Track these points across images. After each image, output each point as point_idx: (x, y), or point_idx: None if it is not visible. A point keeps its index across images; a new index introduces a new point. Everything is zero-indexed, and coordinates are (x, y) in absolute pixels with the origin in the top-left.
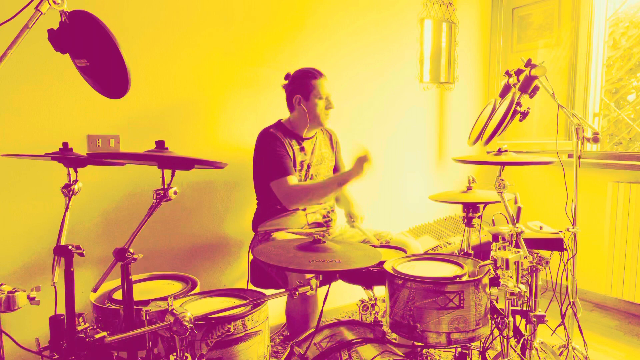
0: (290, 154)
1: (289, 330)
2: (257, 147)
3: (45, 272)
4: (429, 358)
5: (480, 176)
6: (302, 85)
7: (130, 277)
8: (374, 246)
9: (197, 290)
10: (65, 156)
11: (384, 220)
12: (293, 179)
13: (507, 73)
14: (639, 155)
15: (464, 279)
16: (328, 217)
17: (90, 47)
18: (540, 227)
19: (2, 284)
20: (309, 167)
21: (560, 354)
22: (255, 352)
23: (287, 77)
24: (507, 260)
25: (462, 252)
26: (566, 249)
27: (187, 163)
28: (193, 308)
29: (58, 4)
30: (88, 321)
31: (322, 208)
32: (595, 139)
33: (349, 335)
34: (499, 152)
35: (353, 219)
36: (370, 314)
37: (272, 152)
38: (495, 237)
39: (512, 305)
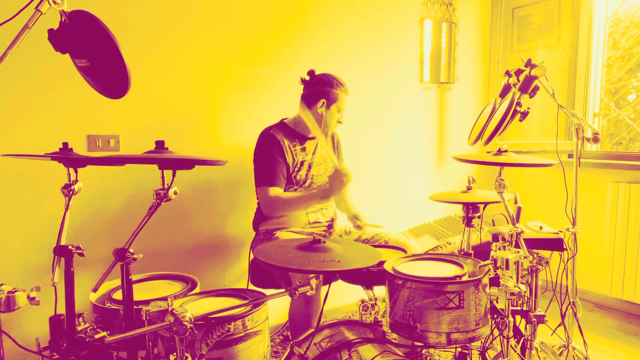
0: (290, 156)
1: (291, 331)
2: (255, 148)
3: (45, 272)
4: (428, 358)
5: (480, 176)
6: (329, 93)
7: (130, 277)
8: (376, 245)
9: (197, 290)
10: (65, 156)
11: (384, 220)
12: (275, 190)
13: (507, 73)
14: (639, 155)
15: (464, 279)
16: (329, 217)
17: (90, 47)
18: (540, 227)
19: (2, 284)
20: (309, 166)
21: (560, 354)
22: (255, 352)
23: (310, 74)
24: (507, 260)
25: (462, 252)
26: (566, 249)
27: (187, 163)
28: (193, 308)
29: (58, 4)
30: (88, 321)
31: (323, 207)
32: (595, 139)
33: (349, 335)
34: (499, 152)
35: (358, 219)
36: (370, 314)
37: (265, 157)
38: (495, 237)
39: (512, 305)
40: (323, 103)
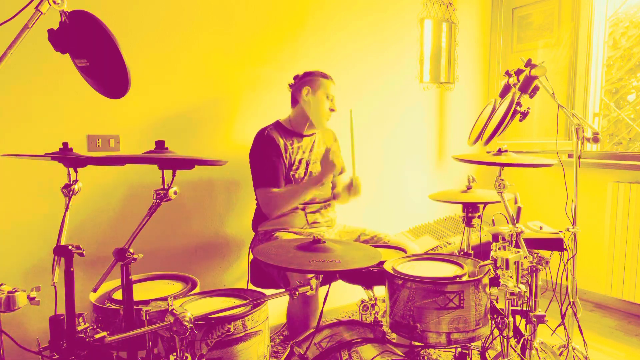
0: (287, 155)
1: (289, 330)
2: (251, 150)
3: (45, 272)
4: (428, 358)
5: (480, 176)
6: (312, 81)
7: (130, 277)
8: (375, 245)
9: (197, 290)
10: (65, 156)
11: (384, 220)
12: (276, 190)
13: (507, 73)
14: (639, 155)
15: (464, 279)
16: (328, 217)
17: (90, 47)
18: (540, 227)
19: (2, 284)
20: (307, 164)
21: (560, 354)
22: (255, 352)
23: (295, 77)
24: (507, 260)
25: (462, 252)
26: (566, 249)
27: (187, 163)
28: (193, 308)
29: (58, 4)
30: (88, 321)
31: (322, 207)
32: (595, 139)
33: (349, 335)
34: (499, 152)
35: (353, 180)
36: (370, 314)
37: (262, 158)
38: (495, 237)
39: (512, 305)
40: (308, 90)
